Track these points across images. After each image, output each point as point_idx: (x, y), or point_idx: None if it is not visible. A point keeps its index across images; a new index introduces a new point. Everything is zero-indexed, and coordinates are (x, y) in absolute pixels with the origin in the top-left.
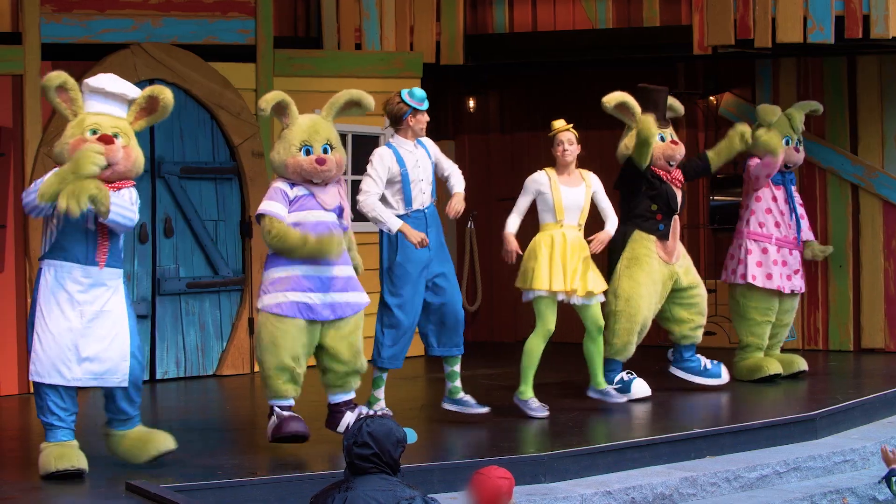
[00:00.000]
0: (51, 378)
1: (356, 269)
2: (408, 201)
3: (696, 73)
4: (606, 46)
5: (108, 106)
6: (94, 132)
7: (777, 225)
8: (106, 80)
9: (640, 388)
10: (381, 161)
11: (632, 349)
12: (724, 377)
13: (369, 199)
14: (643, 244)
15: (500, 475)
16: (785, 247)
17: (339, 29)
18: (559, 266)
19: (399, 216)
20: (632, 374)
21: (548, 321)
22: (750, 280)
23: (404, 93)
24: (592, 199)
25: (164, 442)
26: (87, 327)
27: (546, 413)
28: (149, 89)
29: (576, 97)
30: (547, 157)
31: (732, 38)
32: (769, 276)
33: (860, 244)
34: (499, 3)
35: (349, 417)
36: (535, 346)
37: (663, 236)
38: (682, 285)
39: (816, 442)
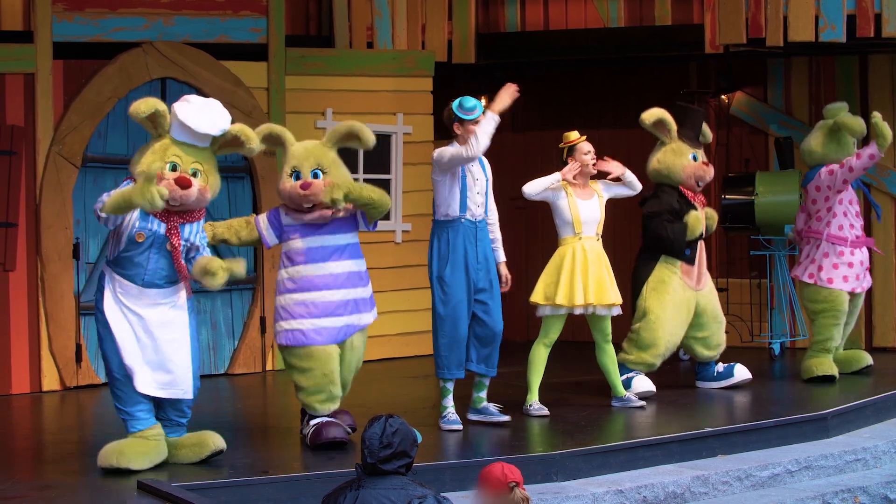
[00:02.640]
0: (137, 385)
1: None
2: (462, 206)
3: (707, 71)
4: (618, 45)
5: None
6: (174, 168)
7: (852, 227)
8: (194, 119)
9: (642, 383)
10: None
11: (646, 367)
12: (739, 375)
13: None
14: (668, 269)
15: (494, 465)
16: (858, 247)
17: (351, 27)
18: (580, 280)
19: (451, 219)
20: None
21: (552, 333)
22: (826, 284)
23: (454, 103)
24: (610, 197)
25: (213, 442)
26: (149, 337)
27: (545, 412)
28: (238, 130)
29: (588, 96)
30: (558, 158)
31: (744, 37)
32: (846, 279)
33: None
34: (511, 1)
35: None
36: (539, 355)
37: (689, 261)
38: (700, 314)
39: (828, 441)
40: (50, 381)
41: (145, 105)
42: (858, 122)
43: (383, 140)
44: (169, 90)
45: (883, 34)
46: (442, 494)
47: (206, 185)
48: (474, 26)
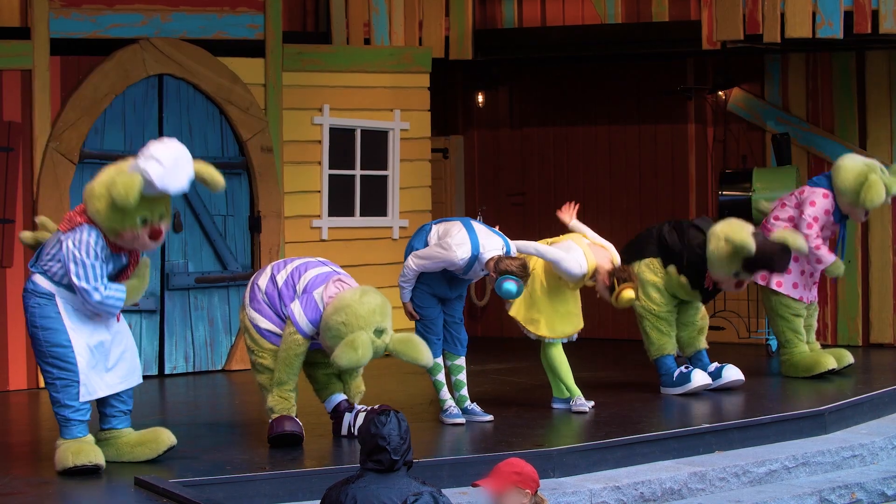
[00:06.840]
0: (97, 393)
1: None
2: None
3: (705, 68)
4: (615, 41)
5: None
6: (145, 221)
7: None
8: (168, 181)
9: (700, 378)
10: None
11: (671, 343)
12: (727, 377)
13: (411, 269)
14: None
15: (524, 462)
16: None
17: (348, 24)
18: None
19: None
20: (689, 367)
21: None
22: (774, 287)
23: (499, 283)
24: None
25: (168, 438)
26: (112, 335)
27: (586, 408)
28: (199, 173)
29: (585, 93)
30: (555, 154)
31: (741, 33)
32: (795, 286)
33: (869, 239)
34: None
35: (348, 418)
36: (558, 354)
37: (705, 299)
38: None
39: (825, 437)
40: None
41: (132, 192)
42: (878, 193)
43: (380, 136)
44: (166, 87)
45: (880, 30)
46: (439, 490)
47: (168, 224)
48: (471, 22)
